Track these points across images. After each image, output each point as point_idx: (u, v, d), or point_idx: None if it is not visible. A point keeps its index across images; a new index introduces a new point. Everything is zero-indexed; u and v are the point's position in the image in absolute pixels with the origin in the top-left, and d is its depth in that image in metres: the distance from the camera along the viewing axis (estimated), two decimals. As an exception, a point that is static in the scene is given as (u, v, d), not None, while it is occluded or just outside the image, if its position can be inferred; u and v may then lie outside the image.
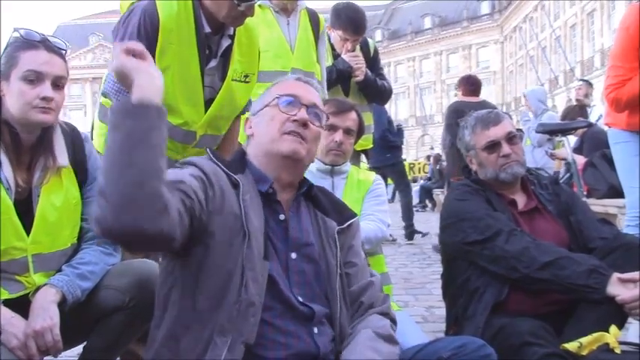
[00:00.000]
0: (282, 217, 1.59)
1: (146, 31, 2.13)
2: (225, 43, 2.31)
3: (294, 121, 1.58)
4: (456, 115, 6.16)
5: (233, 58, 2.34)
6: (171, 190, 1.33)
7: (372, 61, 4.05)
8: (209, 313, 1.40)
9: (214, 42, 2.30)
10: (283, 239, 1.56)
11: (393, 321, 1.63)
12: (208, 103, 2.32)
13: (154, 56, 2.14)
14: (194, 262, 1.44)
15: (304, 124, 1.58)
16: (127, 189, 1.22)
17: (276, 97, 1.62)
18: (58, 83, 1.78)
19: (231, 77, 2.33)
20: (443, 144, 6.91)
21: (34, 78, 1.73)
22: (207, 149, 1.65)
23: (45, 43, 1.78)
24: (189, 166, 1.51)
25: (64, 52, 1.84)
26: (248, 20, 2.40)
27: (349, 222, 1.70)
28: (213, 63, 2.30)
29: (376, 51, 4.18)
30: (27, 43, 1.76)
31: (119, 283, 1.83)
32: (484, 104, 6.24)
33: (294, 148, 1.56)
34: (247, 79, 2.41)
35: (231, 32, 2.32)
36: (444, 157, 8.92)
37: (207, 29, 2.23)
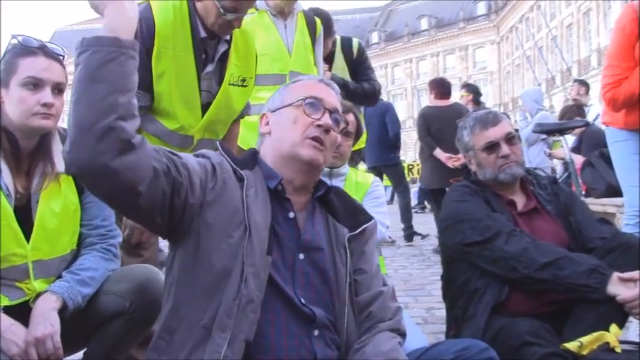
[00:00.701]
0: (291, 215, 1.56)
1: (142, 37, 2.13)
2: (222, 47, 2.32)
3: (318, 126, 1.55)
4: (425, 124, 6.22)
5: (230, 62, 2.35)
6: (158, 153, 1.35)
7: (357, 62, 4.02)
8: (204, 306, 1.39)
9: (211, 46, 2.30)
10: (293, 238, 1.53)
11: (404, 335, 1.59)
12: (205, 107, 2.32)
13: (149, 61, 2.15)
14: (190, 253, 1.44)
15: (326, 130, 1.56)
16: (82, 124, 1.23)
17: (302, 99, 1.58)
18: (59, 89, 1.79)
19: (228, 81, 2.34)
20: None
21: (34, 84, 1.73)
22: (218, 143, 1.64)
23: (43, 50, 1.78)
24: (199, 156, 1.52)
25: (62, 57, 1.84)
26: (244, 25, 2.40)
27: (361, 228, 1.64)
28: (209, 67, 2.31)
29: (360, 51, 4.12)
30: (25, 49, 1.77)
31: (119, 288, 1.83)
32: (454, 107, 6.28)
33: (314, 156, 1.54)
34: (245, 83, 2.41)
35: (228, 37, 2.33)
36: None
37: (203, 34, 2.24)
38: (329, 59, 3.95)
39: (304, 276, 1.52)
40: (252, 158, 1.61)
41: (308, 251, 1.54)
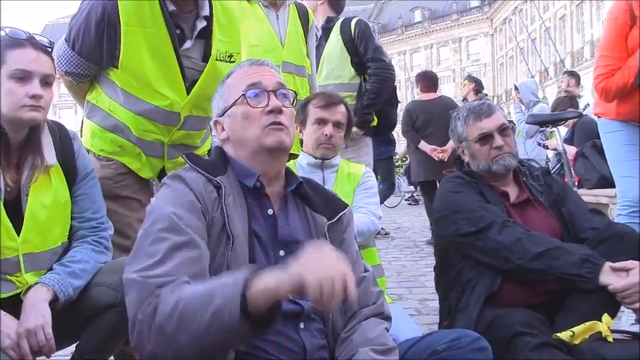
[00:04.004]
0: (270, 211, 1.56)
1: (103, 15, 2.17)
2: (200, 24, 2.31)
3: (270, 112, 1.54)
4: (409, 118, 6.22)
5: (214, 38, 2.34)
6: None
7: (357, 41, 3.89)
8: None
9: (186, 22, 2.30)
10: (272, 236, 1.54)
11: (388, 318, 1.60)
12: (193, 85, 2.32)
13: (118, 39, 2.17)
14: None
15: (279, 111, 1.55)
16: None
17: (242, 95, 1.57)
18: (47, 81, 1.78)
19: (215, 57, 2.34)
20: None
21: (22, 76, 1.72)
22: (184, 155, 1.61)
23: (31, 41, 1.77)
24: (181, 185, 1.48)
25: (50, 49, 1.83)
26: (226, 2, 2.41)
27: (339, 215, 1.65)
28: (188, 44, 2.30)
29: (357, 28, 3.93)
30: (13, 41, 1.75)
31: (111, 280, 1.81)
32: (440, 100, 6.28)
33: (280, 140, 1.53)
34: (232, 59, 2.40)
35: (207, 13, 2.32)
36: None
37: (171, 7, 2.23)
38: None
39: None
40: (222, 160, 1.60)
41: (287, 247, 1.54)
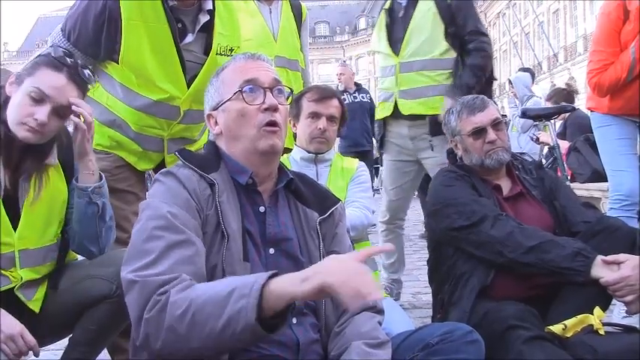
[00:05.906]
0: (261, 209, 1.55)
1: (104, 11, 2.17)
2: (204, 18, 2.31)
3: (266, 109, 1.52)
4: None
5: (215, 31, 2.34)
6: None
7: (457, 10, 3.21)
8: None
9: (188, 16, 2.29)
10: (262, 234, 1.53)
11: (381, 312, 1.60)
12: (193, 79, 2.32)
13: (118, 33, 2.17)
14: None
15: (275, 109, 1.53)
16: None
17: (238, 90, 1.55)
18: (60, 112, 1.76)
19: (215, 51, 2.34)
20: None
21: (37, 97, 1.72)
22: (176, 152, 1.59)
23: (69, 71, 1.77)
24: (175, 182, 1.47)
25: (86, 85, 1.83)
26: None
27: (330, 211, 1.64)
28: (189, 38, 2.30)
29: None
30: (52, 61, 1.75)
31: (106, 272, 1.82)
32: None
33: (273, 144, 1.52)
34: (232, 53, 2.40)
35: (210, 7, 2.32)
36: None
37: (172, 1, 2.23)
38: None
39: (278, 270, 1.51)
40: (215, 156, 1.58)
41: (276, 244, 1.54)
